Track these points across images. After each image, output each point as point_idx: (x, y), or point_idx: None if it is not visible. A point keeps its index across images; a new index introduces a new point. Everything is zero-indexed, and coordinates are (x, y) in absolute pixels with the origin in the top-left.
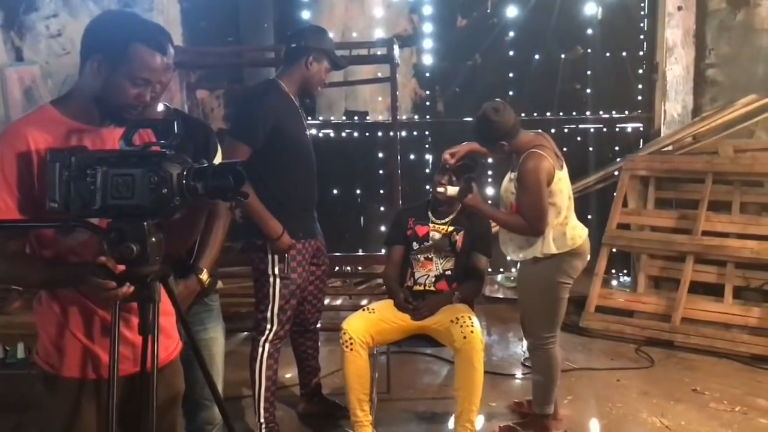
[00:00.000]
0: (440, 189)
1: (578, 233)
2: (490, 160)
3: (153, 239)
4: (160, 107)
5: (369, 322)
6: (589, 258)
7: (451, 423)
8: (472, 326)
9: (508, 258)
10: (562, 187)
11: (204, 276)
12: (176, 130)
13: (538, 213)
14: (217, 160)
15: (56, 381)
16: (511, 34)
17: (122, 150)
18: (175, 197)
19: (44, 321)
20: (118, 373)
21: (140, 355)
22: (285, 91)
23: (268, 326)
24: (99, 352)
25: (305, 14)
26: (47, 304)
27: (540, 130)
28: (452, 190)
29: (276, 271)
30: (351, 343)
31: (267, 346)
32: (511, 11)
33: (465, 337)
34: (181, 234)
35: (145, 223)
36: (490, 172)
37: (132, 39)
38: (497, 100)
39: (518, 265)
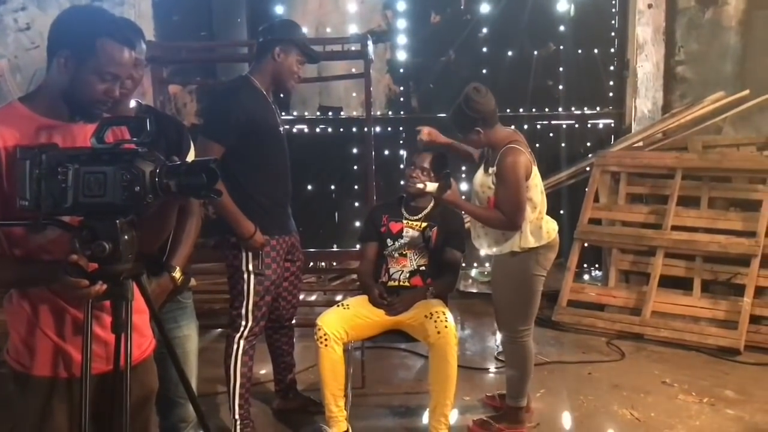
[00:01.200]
0: (419, 185)
1: (551, 227)
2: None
3: (125, 237)
4: (133, 104)
5: (344, 318)
6: (558, 250)
7: (425, 417)
8: (446, 321)
9: (482, 253)
10: (537, 182)
11: (177, 274)
12: (149, 128)
13: (516, 207)
14: (191, 157)
15: (27, 380)
16: (485, 30)
17: (94, 147)
18: (147, 195)
19: (15, 319)
20: (90, 372)
21: (113, 353)
22: (257, 87)
23: (243, 323)
24: (71, 350)
25: (279, 9)
26: (18, 303)
27: (513, 127)
28: (431, 186)
29: (250, 267)
30: (326, 339)
31: (242, 342)
32: (485, 8)
33: (439, 332)
34: (152, 231)
35: (117, 221)
36: (463, 168)
37: (99, 34)
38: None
39: (492, 259)
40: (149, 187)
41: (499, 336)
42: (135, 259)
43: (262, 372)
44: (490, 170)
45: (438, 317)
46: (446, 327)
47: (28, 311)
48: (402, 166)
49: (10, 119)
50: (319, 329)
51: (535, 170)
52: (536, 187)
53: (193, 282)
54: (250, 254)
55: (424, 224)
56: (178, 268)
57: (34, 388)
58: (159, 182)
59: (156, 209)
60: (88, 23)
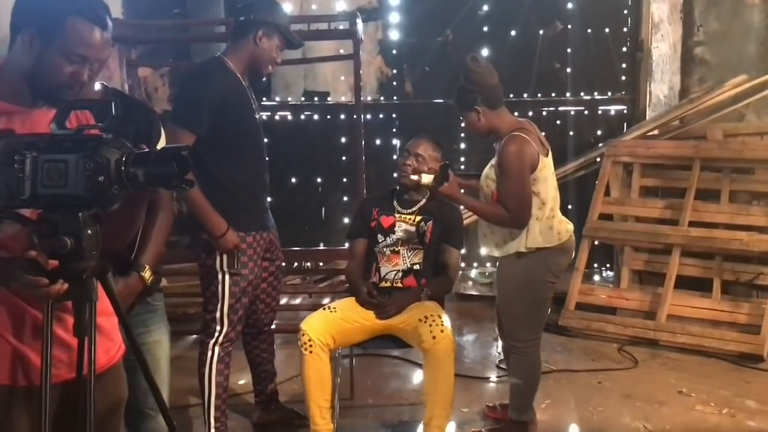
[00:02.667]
0: (414, 177)
1: (565, 227)
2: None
3: (89, 232)
4: (97, 86)
5: (330, 322)
6: (573, 255)
7: (419, 431)
8: (443, 325)
9: (483, 252)
10: (547, 175)
11: (146, 273)
12: (114, 112)
13: (520, 201)
14: (161, 145)
15: None
16: (486, 8)
17: (54, 134)
18: (113, 185)
19: None
20: (51, 380)
21: (76, 359)
22: (231, 69)
23: (218, 327)
24: (30, 355)
25: None
26: None
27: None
28: (427, 178)
29: (225, 267)
30: (310, 345)
31: (217, 349)
32: None
33: (435, 337)
34: (119, 227)
35: (80, 215)
36: (462, 159)
37: (68, 11)
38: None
39: (498, 261)
40: (115, 176)
41: (501, 343)
42: (99, 256)
43: (241, 382)
44: (493, 161)
45: (433, 321)
46: (442, 331)
47: None
48: (395, 157)
49: None
50: (303, 335)
51: (547, 162)
52: (545, 181)
53: (164, 282)
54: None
55: (419, 218)
56: (147, 267)
57: None
58: (125, 171)
59: (123, 202)
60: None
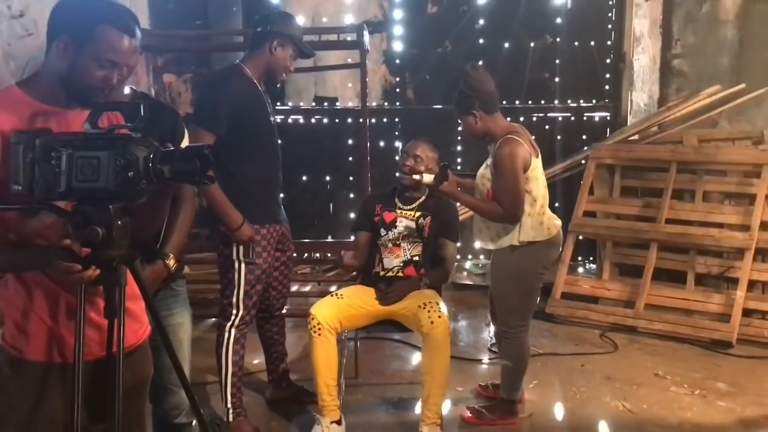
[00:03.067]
0: (415, 176)
1: (554, 223)
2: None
3: (119, 223)
4: (127, 90)
5: (337, 308)
6: (561, 249)
7: (417, 408)
8: (440, 312)
9: (477, 245)
10: (537, 175)
11: (171, 261)
12: (143, 113)
13: (514, 199)
14: (185, 145)
15: (21, 365)
16: (481, 22)
17: (87, 132)
18: (141, 180)
19: (10, 304)
20: (84, 357)
21: (106, 338)
22: (248, 76)
23: (234, 311)
24: (65, 335)
25: None
26: (14, 287)
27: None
28: (428, 178)
29: (241, 256)
30: (319, 329)
31: (233, 331)
32: None
33: (432, 323)
34: (146, 218)
35: (110, 207)
36: (459, 160)
37: (99, 20)
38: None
39: (491, 254)
40: (143, 172)
41: (492, 328)
42: (128, 245)
43: (255, 362)
44: (488, 162)
45: (432, 307)
46: (440, 317)
47: (23, 295)
48: (397, 158)
49: (7, 104)
50: (313, 319)
51: (537, 163)
52: (536, 180)
53: (186, 270)
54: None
55: (418, 214)
56: (171, 255)
57: (28, 373)
58: (153, 168)
59: (149, 196)
60: (89, 9)
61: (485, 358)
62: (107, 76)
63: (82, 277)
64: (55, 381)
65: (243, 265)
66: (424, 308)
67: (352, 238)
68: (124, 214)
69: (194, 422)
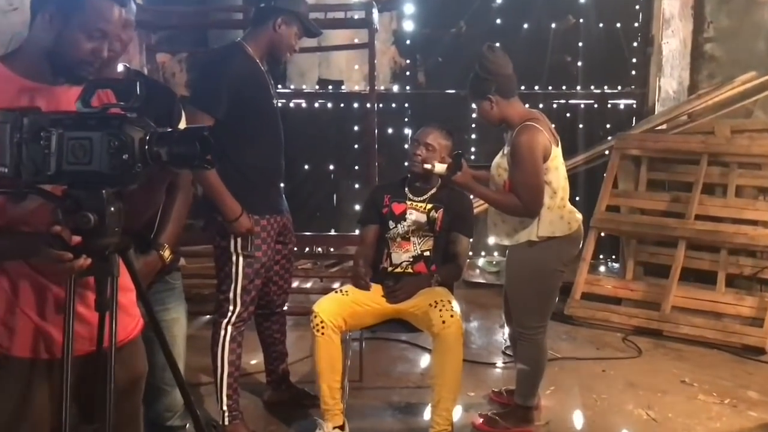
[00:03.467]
0: (427, 165)
1: (574, 217)
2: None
3: (112, 209)
4: (120, 68)
5: (342, 305)
6: (582, 246)
7: (427, 413)
8: (452, 311)
9: (490, 241)
10: (558, 165)
11: (166, 252)
12: (138, 92)
13: (533, 191)
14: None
15: (6, 361)
16: (499, 0)
17: (79, 111)
18: (136, 164)
19: None
20: (72, 353)
21: (96, 333)
22: (250, 55)
23: (231, 307)
24: (52, 330)
25: None
26: None
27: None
28: (440, 167)
29: (239, 249)
30: (322, 327)
31: (229, 328)
32: None
33: (444, 322)
34: (139, 205)
35: (103, 192)
36: (473, 149)
37: None
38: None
39: (507, 250)
40: (138, 155)
41: (507, 330)
42: (121, 233)
43: (253, 362)
44: (505, 150)
45: (443, 306)
46: (452, 317)
47: (7, 289)
48: (407, 146)
49: None
50: (316, 317)
51: (557, 152)
52: (557, 171)
53: (182, 262)
54: None
55: (430, 206)
56: (166, 245)
57: (13, 370)
58: (149, 150)
59: (144, 181)
60: None
61: (499, 362)
62: (97, 48)
63: (72, 267)
64: (41, 378)
65: (241, 259)
66: (435, 307)
67: (357, 231)
68: (117, 200)
69: (188, 425)
